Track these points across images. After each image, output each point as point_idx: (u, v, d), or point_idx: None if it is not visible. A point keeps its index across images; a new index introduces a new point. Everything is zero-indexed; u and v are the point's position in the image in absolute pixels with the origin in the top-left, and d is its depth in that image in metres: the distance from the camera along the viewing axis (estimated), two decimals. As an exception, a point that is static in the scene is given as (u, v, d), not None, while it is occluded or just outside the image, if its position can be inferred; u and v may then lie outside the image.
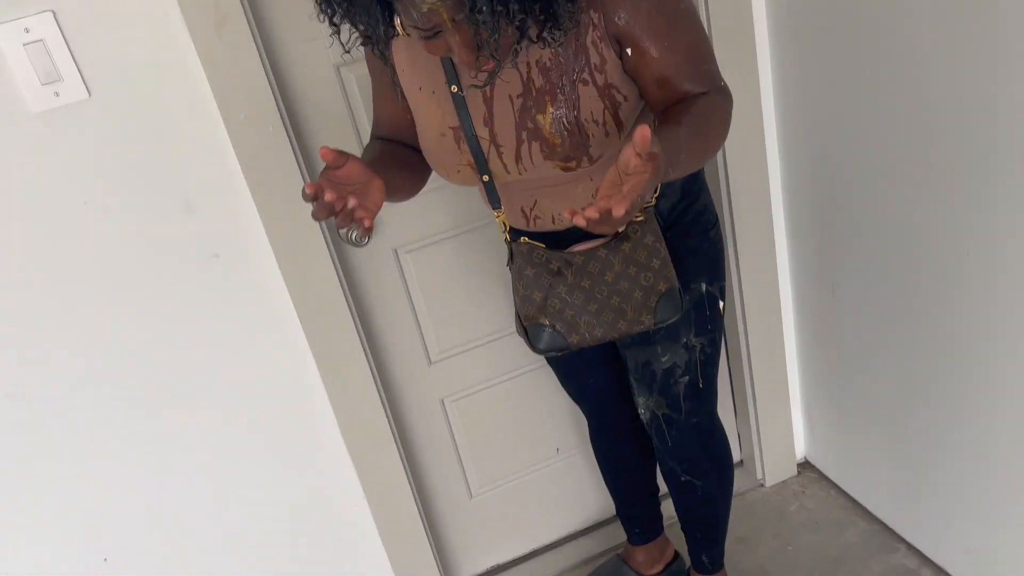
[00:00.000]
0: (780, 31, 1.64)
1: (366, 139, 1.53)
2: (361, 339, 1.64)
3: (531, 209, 1.31)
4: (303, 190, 0.99)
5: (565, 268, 1.29)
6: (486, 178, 1.24)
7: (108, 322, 1.47)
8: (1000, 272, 1.33)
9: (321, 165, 1.53)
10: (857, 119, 1.52)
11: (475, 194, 1.63)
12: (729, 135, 1.17)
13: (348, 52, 1.14)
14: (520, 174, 1.22)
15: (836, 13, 1.47)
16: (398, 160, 1.29)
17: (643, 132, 0.86)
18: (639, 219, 1.28)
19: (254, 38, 1.38)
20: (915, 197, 1.45)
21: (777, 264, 1.87)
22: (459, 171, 1.25)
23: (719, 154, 1.73)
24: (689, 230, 1.36)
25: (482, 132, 1.20)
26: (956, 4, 1.23)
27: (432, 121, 1.23)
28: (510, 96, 1.17)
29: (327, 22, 1.08)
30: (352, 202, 1.00)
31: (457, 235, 1.72)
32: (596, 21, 1.10)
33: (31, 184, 1.35)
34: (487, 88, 1.17)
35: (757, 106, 1.71)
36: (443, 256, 1.73)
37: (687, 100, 1.11)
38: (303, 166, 1.49)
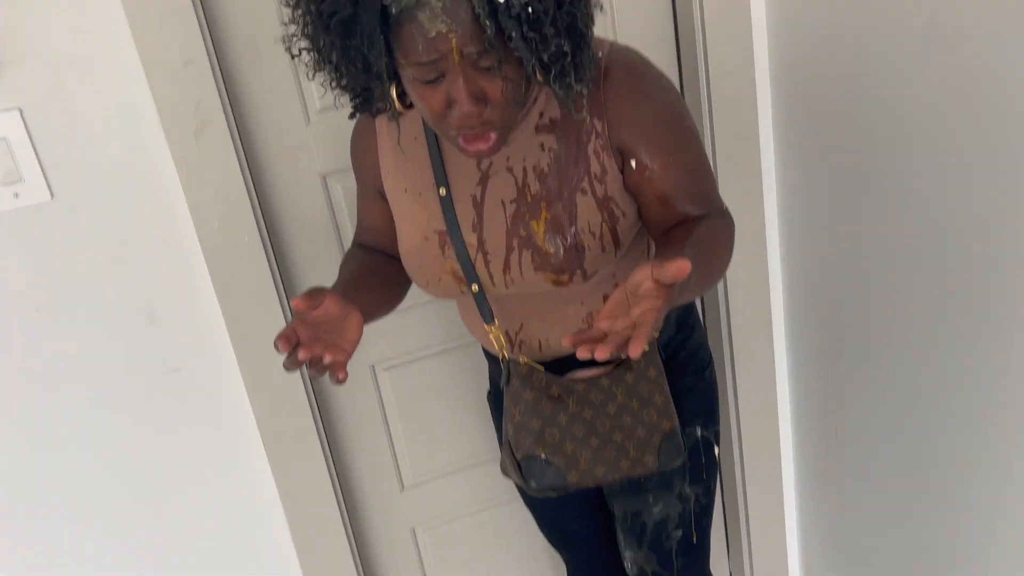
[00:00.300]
0: (786, 158, 1.58)
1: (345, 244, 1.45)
2: (328, 462, 1.52)
3: (516, 333, 1.21)
4: (275, 343, 0.90)
5: (566, 395, 1.19)
6: (475, 287, 1.14)
7: (60, 435, 1.36)
8: (1009, 439, 1.24)
9: (299, 271, 1.50)
10: (865, 253, 1.45)
11: (457, 311, 1.56)
12: (731, 265, 1.10)
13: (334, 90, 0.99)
14: (507, 287, 1.13)
15: (845, 140, 1.42)
16: (378, 275, 1.20)
17: (683, 266, 0.78)
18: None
19: (235, 145, 1.30)
20: (927, 346, 1.36)
21: (778, 404, 1.77)
22: (440, 279, 1.15)
23: (720, 286, 1.65)
24: (685, 366, 1.27)
25: (470, 238, 1.11)
26: (971, 154, 1.17)
27: (416, 225, 1.14)
28: (503, 201, 1.09)
29: (316, 67, 0.96)
30: (328, 358, 0.93)
31: (438, 353, 1.62)
32: (600, 130, 1.04)
33: (-19, 287, 1.26)
34: (479, 192, 1.09)
35: (761, 235, 1.64)
36: (423, 375, 1.63)
37: (688, 222, 1.05)
38: (278, 279, 1.39)
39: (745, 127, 1.56)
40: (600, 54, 1.03)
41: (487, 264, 1.11)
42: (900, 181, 1.32)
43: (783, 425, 1.80)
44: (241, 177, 1.31)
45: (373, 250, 1.24)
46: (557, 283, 1.10)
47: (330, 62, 0.94)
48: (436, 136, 1.10)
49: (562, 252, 1.07)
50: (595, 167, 1.06)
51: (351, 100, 1.00)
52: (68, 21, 1.19)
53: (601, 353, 0.80)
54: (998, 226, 1.17)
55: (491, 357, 1.31)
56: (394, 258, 1.22)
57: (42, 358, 1.31)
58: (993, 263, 1.19)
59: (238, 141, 1.31)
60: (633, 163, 1.05)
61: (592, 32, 0.95)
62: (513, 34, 0.88)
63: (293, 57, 0.97)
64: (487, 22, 0.87)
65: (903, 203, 1.33)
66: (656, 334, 1.19)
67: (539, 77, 0.93)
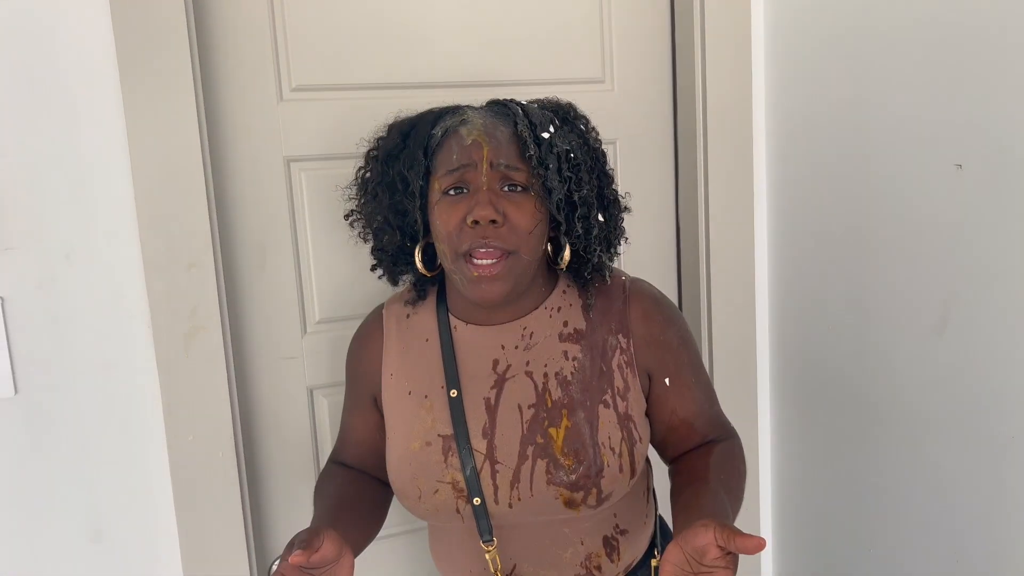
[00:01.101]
0: (781, 392, 1.56)
1: (322, 463, 1.34)
2: None
3: None
4: None
5: None
6: (477, 501, 1.02)
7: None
8: None
9: (270, 491, 1.37)
10: (854, 493, 1.40)
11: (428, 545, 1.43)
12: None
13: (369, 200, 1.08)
14: (511, 506, 1.02)
15: (837, 376, 1.41)
16: (362, 499, 1.10)
17: (761, 543, 0.79)
18: None
19: (226, 355, 1.22)
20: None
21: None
22: (436, 492, 1.03)
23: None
24: None
25: (479, 444, 1.02)
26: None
27: (417, 429, 1.05)
28: (520, 406, 1.03)
29: (362, 183, 1.08)
30: None
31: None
32: (624, 346, 1.05)
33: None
34: (493, 395, 1.04)
35: (754, 484, 1.58)
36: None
37: (702, 450, 1.07)
38: (247, 500, 1.27)
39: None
40: (624, 279, 1.10)
41: (494, 475, 1.02)
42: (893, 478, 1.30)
43: None
44: (227, 389, 1.22)
45: (353, 468, 1.14)
46: (569, 503, 1.01)
47: (374, 196, 1.05)
48: (451, 336, 1.07)
49: (580, 465, 1.00)
50: (619, 382, 1.04)
51: (380, 256, 1.09)
52: (72, 212, 1.14)
53: None
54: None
55: None
56: (376, 480, 1.13)
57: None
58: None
59: (230, 350, 1.23)
60: (667, 380, 1.07)
61: (618, 221, 1.08)
62: (551, 165, 0.98)
63: (348, 219, 1.11)
64: (531, 145, 0.98)
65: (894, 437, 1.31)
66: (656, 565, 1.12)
67: (560, 218, 1.00)
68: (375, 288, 1.34)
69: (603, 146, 1.09)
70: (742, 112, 1.46)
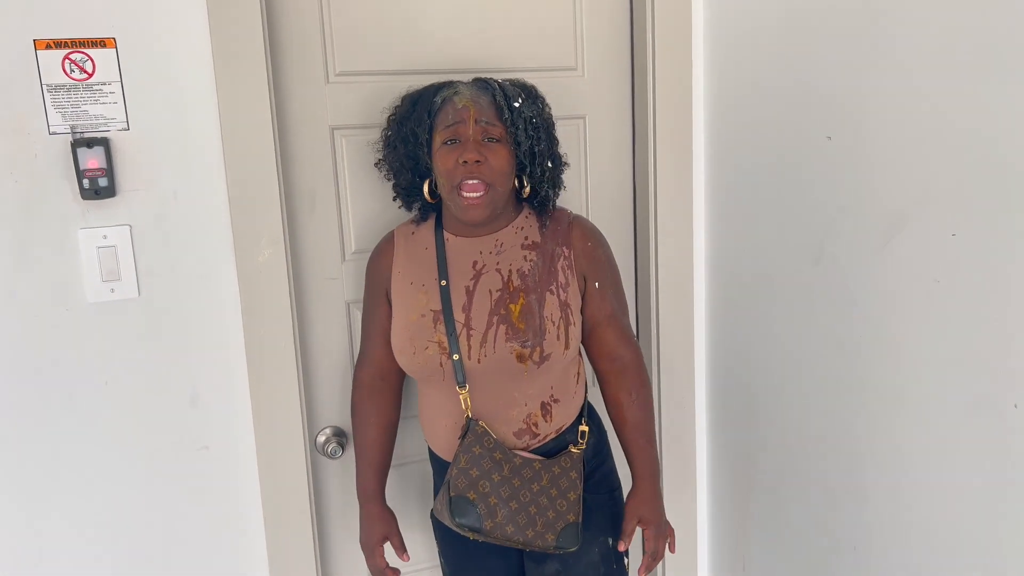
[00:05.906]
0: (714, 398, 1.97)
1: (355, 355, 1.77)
2: (316, 553, 1.77)
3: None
4: None
5: (504, 461, 1.47)
6: (456, 356, 1.45)
7: (97, 491, 1.60)
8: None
9: (316, 374, 1.79)
10: (782, 442, 1.78)
11: (409, 429, 1.83)
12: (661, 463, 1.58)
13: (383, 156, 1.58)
14: (479, 361, 1.44)
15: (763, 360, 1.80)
16: (390, 433, 1.64)
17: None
18: (575, 451, 1.52)
19: (288, 273, 1.64)
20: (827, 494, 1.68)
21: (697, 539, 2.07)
22: (427, 348, 1.47)
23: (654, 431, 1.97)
24: (599, 485, 1.59)
25: (459, 316, 1.46)
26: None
27: (415, 306, 1.49)
28: (490, 290, 1.47)
29: (385, 162, 1.56)
30: None
31: (397, 466, 1.87)
32: (566, 254, 1.50)
33: (68, 359, 1.55)
34: (472, 284, 1.47)
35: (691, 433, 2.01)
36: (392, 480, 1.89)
37: (621, 401, 1.54)
38: (301, 380, 1.70)
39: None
40: (570, 212, 1.55)
41: (469, 337, 1.46)
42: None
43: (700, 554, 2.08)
44: (288, 298, 1.65)
45: (376, 388, 1.60)
46: (520, 357, 1.44)
47: (394, 148, 1.50)
48: (444, 245, 1.50)
49: (530, 328, 1.44)
50: (561, 278, 1.49)
51: (398, 189, 1.56)
52: (179, 165, 1.56)
53: None
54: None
55: (440, 465, 1.59)
56: (391, 403, 1.62)
57: (100, 424, 1.59)
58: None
59: (290, 269, 1.66)
60: (597, 284, 1.50)
61: (560, 170, 1.54)
62: (520, 127, 1.42)
63: (376, 165, 1.61)
64: (505, 110, 1.41)
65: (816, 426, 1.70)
66: (583, 445, 1.53)
67: (525, 162, 1.44)
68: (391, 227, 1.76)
69: (560, 120, 1.55)
70: (683, 93, 1.86)
